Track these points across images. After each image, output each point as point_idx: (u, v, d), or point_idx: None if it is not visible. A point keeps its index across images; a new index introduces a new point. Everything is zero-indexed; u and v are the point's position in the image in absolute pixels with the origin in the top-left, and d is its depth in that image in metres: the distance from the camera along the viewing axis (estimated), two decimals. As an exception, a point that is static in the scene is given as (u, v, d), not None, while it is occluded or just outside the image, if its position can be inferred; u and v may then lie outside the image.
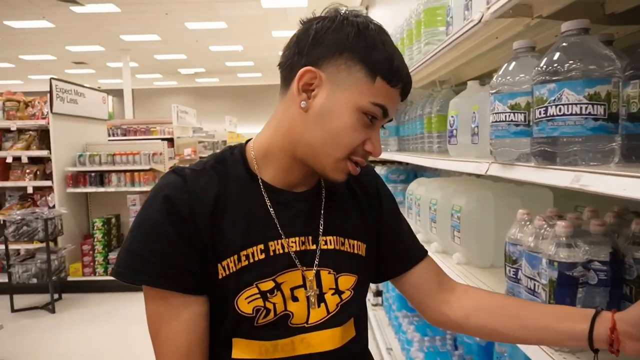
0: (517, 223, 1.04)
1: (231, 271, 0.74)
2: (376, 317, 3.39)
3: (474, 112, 1.35)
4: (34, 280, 4.38)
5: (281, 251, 0.77)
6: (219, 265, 0.73)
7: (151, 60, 14.21)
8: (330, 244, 0.81)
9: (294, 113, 0.76)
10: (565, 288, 0.84)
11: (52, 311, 4.40)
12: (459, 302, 0.88)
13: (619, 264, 0.85)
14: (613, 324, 0.68)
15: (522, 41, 0.98)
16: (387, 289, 3.22)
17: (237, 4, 8.92)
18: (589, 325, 0.70)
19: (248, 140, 0.85)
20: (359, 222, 0.87)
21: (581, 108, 0.79)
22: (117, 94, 14.23)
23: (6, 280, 4.28)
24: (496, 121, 1.00)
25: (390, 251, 0.91)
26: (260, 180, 0.80)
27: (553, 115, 0.82)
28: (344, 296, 0.80)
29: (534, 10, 1.02)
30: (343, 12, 0.76)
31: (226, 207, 0.75)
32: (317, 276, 0.79)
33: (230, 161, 0.81)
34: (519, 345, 1.01)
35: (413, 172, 3.04)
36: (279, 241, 0.77)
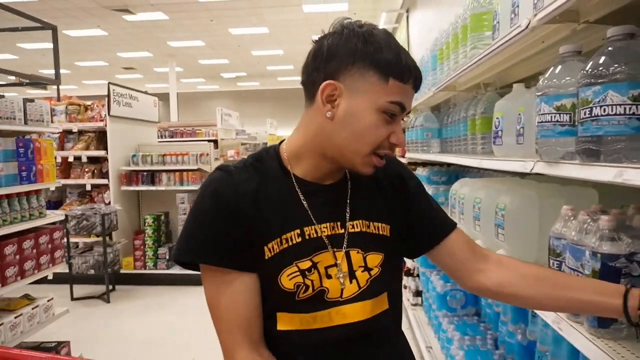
0: (562, 218, 1.09)
1: (275, 252, 0.84)
2: (416, 316, 3.43)
3: (519, 114, 1.40)
4: (92, 272, 4.69)
5: (315, 235, 0.87)
6: (265, 247, 0.85)
7: (195, 65, 14.74)
8: (357, 227, 0.91)
9: (321, 121, 0.86)
10: (607, 279, 0.89)
11: (107, 301, 4.69)
12: (494, 271, 0.94)
13: (668, 256, 0.90)
14: None
15: (568, 46, 1.03)
16: (427, 288, 3.26)
17: (279, 9, 9.15)
18: (622, 300, 0.77)
19: (281, 142, 0.97)
20: (382, 206, 0.96)
21: (625, 109, 0.84)
22: (163, 97, 14.79)
23: (67, 270, 4.60)
24: (542, 122, 1.06)
25: (422, 226, 0.99)
26: (292, 175, 0.91)
27: (598, 116, 0.87)
28: (372, 272, 0.90)
29: (581, 15, 1.07)
30: (348, 24, 0.85)
31: (265, 198, 0.87)
32: (347, 256, 0.89)
33: (267, 159, 0.93)
34: (565, 336, 1.06)
35: (454, 174, 3.07)
36: (312, 227, 0.88)
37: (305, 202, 0.89)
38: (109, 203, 5.10)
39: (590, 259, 0.94)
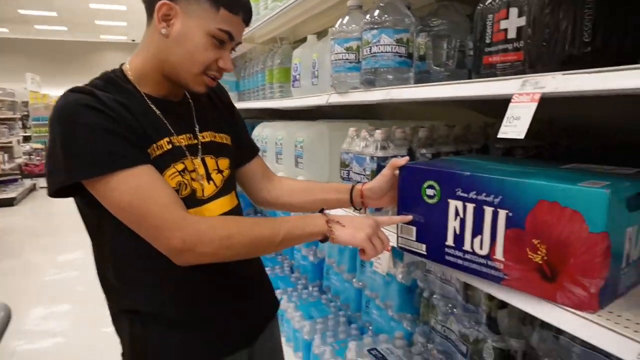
0: (349, 137, 1.41)
1: (154, 156, 0.92)
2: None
3: (314, 59, 1.68)
4: None
5: (177, 144, 0.98)
6: (148, 150, 0.91)
7: None
8: (207, 138, 1.06)
9: (158, 39, 0.94)
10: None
11: None
12: (275, 188, 1.23)
13: (412, 156, 1.29)
14: (361, 193, 1.11)
15: (353, 0, 1.32)
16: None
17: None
18: (349, 195, 1.13)
19: (121, 65, 1.01)
20: (222, 121, 1.13)
21: (392, 48, 1.17)
22: None
23: None
24: (336, 60, 1.34)
25: (240, 145, 1.19)
26: (143, 93, 0.98)
27: (375, 53, 1.18)
28: (224, 174, 1.07)
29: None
30: None
31: (131, 110, 0.91)
32: (203, 161, 1.03)
33: (117, 80, 0.97)
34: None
35: (250, 125, 3.31)
36: (174, 137, 0.98)
37: (162, 116, 0.97)
38: None
39: (369, 162, 1.27)
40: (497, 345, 1.20)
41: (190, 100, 1.07)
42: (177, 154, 0.96)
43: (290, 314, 2.27)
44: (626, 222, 0.72)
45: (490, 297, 1.21)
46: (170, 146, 0.95)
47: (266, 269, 3.00)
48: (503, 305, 1.18)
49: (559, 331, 1.04)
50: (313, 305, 2.28)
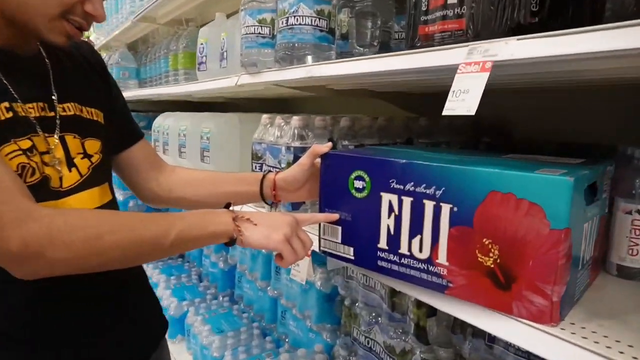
0: (261, 125, 1.22)
1: None
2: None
3: (223, 39, 1.47)
4: None
5: (22, 114, 0.72)
6: None
7: None
8: (70, 111, 0.80)
9: None
10: (298, 167, 1.07)
11: None
12: (166, 180, 0.98)
13: (335, 147, 1.13)
14: (274, 184, 0.91)
15: (268, -33, 1.14)
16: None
17: None
18: (259, 187, 0.92)
19: None
20: (92, 92, 0.87)
21: (312, 20, 1.01)
22: None
23: None
24: (247, 33, 1.15)
25: (118, 126, 0.93)
26: None
27: (292, 25, 1.01)
28: (93, 159, 0.82)
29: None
30: None
31: None
32: (63, 141, 0.77)
33: None
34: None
35: (153, 117, 3.00)
36: (18, 104, 0.71)
37: None
38: None
39: (285, 153, 1.10)
40: (425, 357, 1.09)
41: (48, 60, 0.80)
42: (21, 127, 0.70)
43: (198, 328, 2.02)
44: (583, 217, 0.62)
45: (419, 305, 1.09)
46: (10, 114, 0.69)
47: (170, 277, 2.71)
48: (432, 312, 1.07)
49: (491, 339, 0.95)
50: (223, 318, 2.06)
